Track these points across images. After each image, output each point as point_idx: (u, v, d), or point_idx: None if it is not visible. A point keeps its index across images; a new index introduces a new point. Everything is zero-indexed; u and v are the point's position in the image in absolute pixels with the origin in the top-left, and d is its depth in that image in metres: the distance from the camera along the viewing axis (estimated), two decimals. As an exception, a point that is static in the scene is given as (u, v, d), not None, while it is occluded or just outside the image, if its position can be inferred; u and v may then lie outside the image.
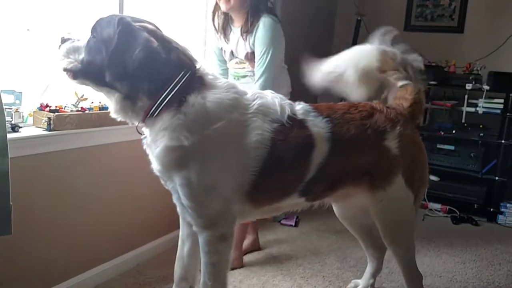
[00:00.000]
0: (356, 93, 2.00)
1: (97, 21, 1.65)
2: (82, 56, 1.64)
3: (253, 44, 2.61)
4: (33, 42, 2.23)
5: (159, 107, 1.61)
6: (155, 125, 1.64)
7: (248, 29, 2.60)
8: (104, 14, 1.68)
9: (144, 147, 1.75)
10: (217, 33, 2.75)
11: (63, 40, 1.69)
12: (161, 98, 1.60)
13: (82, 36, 1.69)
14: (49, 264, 2.17)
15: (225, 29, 2.72)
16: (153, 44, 1.59)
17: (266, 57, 2.58)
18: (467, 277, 2.79)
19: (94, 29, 1.65)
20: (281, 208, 1.93)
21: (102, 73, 1.59)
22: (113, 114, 1.71)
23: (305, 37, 4.47)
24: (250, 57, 2.67)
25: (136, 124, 1.72)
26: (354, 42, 4.55)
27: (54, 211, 2.17)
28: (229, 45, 2.74)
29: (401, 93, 2.03)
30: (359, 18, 4.53)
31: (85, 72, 1.66)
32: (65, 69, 1.68)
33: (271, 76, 2.61)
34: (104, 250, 2.48)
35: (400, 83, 2.02)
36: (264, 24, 2.57)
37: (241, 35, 2.64)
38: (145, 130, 1.73)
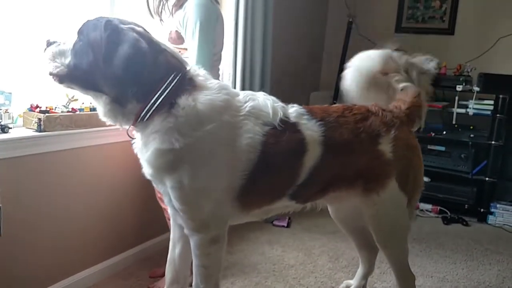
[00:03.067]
0: (366, 98, 2.01)
1: (83, 24, 1.63)
2: (68, 59, 1.61)
3: (181, 23, 2.35)
4: (24, 42, 2.22)
5: (150, 110, 1.59)
6: (146, 128, 1.62)
7: (177, 3, 2.37)
8: (92, 16, 1.65)
9: (135, 151, 1.73)
10: (152, 15, 2.43)
11: (49, 43, 1.67)
12: (151, 102, 1.58)
13: (68, 39, 1.66)
14: (38, 266, 2.15)
15: (160, 10, 2.41)
16: (142, 43, 1.56)
17: (199, 46, 2.29)
18: (458, 277, 2.81)
19: (80, 32, 1.62)
20: (271, 211, 1.91)
21: (90, 77, 1.58)
22: (101, 117, 1.68)
23: (296, 38, 4.49)
24: (173, 36, 2.43)
25: (127, 127, 1.69)
26: (346, 44, 4.57)
27: (44, 213, 2.15)
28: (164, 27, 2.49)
29: (400, 95, 2.02)
30: (350, 20, 4.55)
31: (71, 76, 1.63)
32: (51, 74, 1.66)
33: (208, 62, 2.31)
34: (94, 252, 2.46)
35: (401, 85, 2.02)
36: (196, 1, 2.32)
37: (171, 11, 2.41)
38: (136, 134, 1.71)
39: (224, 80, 3.17)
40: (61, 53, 1.64)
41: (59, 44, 1.66)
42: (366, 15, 4.70)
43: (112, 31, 1.55)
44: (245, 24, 3.14)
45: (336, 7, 4.95)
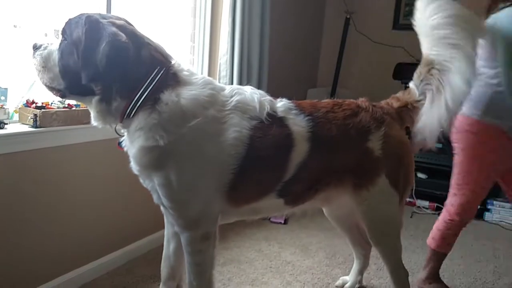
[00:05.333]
0: None
1: (66, 23, 1.60)
2: (56, 61, 1.59)
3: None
4: (20, 38, 2.21)
5: (134, 107, 1.57)
6: (131, 125, 1.61)
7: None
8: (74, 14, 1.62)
9: (125, 149, 1.72)
10: None
11: (36, 47, 1.64)
12: (135, 98, 1.57)
13: (54, 40, 1.64)
14: (36, 262, 2.15)
15: None
16: (121, 37, 1.53)
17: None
18: (454, 274, 2.82)
19: (64, 31, 1.60)
20: (260, 210, 1.88)
21: (79, 77, 1.54)
22: (93, 122, 1.67)
23: (294, 35, 4.48)
24: None
25: (114, 126, 1.68)
26: (343, 41, 4.57)
27: (40, 209, 2.15)
28: None
29: (400, 93, 2.00)
30: (348, 17, 4.55)
31: (70, 88, 1.61)
32: (49, 88, 1.64)
33: None
34: (92, 248, 2.46)
35: (409, 85, 1.97)
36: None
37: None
38: (124, 131, 1.70)
39: (221, 77, 3.16)
40: (49, 55, 1.61)
41: (46, 47, 1.63)
42: (364, 12, 4.70)
43: (91, 26, 1.52)
44: (242, 20, 3.13)
45: (333, 3, 4.95)
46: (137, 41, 1.59)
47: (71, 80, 1.59)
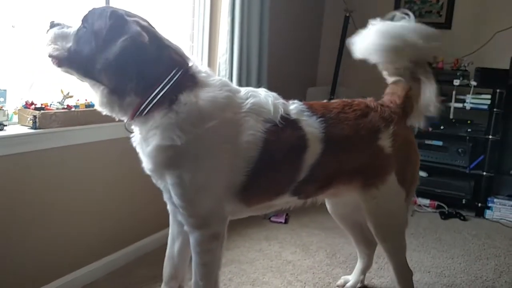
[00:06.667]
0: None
1: (89, 11, 1.61)
2: (69, 44, 1.59)
3: None
4: (18, 39, 2.20)
5: (149, 105, 1.58)
6: (145, 123, 1.61)
7: None
8: (98, 4, 1.64)
9: (134, 145, 1.73)
10: None
11: (52, 25, 1.64)
12: (151, 96, 1.57)
13: (72, 24, 1.65)
14: (36, 264, 2.14)
15: None
16: (143, 38, 1.54)
17: None
18: (455, 272, 2.82)
19: (85, 19, 1.60)
20: (273, 206, 1.92)
21: (89, 65, 1.56)
22: (98, 107, 1.66)
23: (293, 33, 4.47)
24: None
25: (125, 121, 1.68)
26: (343, 39, 4.56)
27: (40, 210, 2.14)
28: None
29: (393, 88, 2.04)
30: (347, 15, 4.53)
31: (71, 61, 1.61)
32: (50, 56, 1.63)
33: None
34: (92, 249, 2.45)
35: (393, 78, 2.04)
36: None
37: None
38: (135, 128, 1.71)
39: (220, 75, 3.16)
40: (63, 36, 1.61)
41: (62, 27, 1.64)
42: (363, 9, 4.67)
43: (116, 20, 1.54)
44: (242, 20, 3.13)
45: (333, 2, 4.94)
46: (158, 43, 1.61)
47: (80, 65, 1.60)
